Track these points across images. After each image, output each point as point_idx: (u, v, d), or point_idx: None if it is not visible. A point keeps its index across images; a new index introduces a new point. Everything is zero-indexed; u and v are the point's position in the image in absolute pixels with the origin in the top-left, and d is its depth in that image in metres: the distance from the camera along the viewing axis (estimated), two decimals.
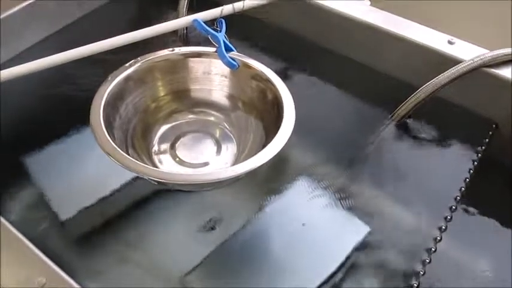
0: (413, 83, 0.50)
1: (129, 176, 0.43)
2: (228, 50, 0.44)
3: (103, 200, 0.42)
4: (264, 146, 0.39)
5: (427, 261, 0.38)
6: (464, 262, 0.40)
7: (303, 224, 0.41)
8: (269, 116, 0.42)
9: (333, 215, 0.43)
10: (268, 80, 0.42)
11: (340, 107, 0.52)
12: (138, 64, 0.43)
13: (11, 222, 0.35)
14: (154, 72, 0.45)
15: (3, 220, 0.35)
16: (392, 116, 0.50)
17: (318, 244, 0.41)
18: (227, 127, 0.46)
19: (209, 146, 0.44)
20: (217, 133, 0.45)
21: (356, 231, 0.41)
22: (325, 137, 0.49)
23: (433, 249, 0.38)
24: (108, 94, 0.40)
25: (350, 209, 0.43)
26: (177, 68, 0.45)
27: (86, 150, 0.46)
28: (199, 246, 0.40)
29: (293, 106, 0.40)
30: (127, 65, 0.43)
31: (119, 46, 0.44)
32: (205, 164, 0.43)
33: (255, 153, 0.37)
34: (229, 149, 0.44)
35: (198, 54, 0.45)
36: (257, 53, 0.51)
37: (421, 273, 0.37)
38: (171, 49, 0.45)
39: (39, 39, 0.57)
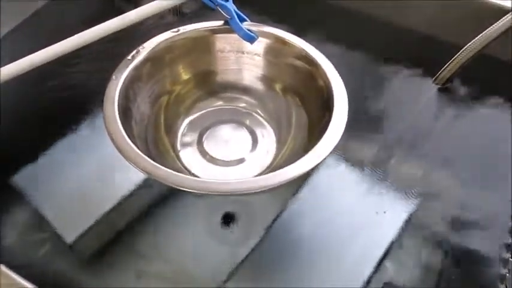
0: (451, 40, 0.45)
1: (135, 181, 0.38)
2: (242, 20, 0.38)
3: (110, 211, 0.37)
4: (309, 137, 0.35)
5: None
6: None
7: (384, 212, 0.37)
8: (313, 102, 0.36)
9: (377, 194, 0.38)
10: (309, 59, 0.36)
11: (373, 73, 0.46)
12: (145, 54, 0.36)
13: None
14: (168, 58, 0.38)
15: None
16: (435, 80, 0.45)
17: (364, 226, 0.37)
18: (262, 115, 0.40)
19: (242, 138, 0.38)
20: (251, 122, 0.39)
21: (402, 210, 0.37)
22: (362, 108, 0.43)
23: None
24: (119, 95, 0.33)
25: (396, 186, 0.38)
26: (196, 48, 0.38)
27: (81, 158, 0.39)
28: (232, 246, 0.36)
29: (344, 90, 0.34)
30: (129, 57, 0.36)
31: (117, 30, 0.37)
32: (241, 160, 0.37)
33: (299, 147, 0.33)
34: (267, 142, 0.38)
35: (221, 30, 0.38)
36: (267, 20, 0.44)
37: (511, 259, 0.34)
38: (175, 30, 0.38)
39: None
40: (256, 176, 0.36)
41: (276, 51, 0.38)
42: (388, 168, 0.39)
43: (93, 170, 0.38)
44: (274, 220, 0.36)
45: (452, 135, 0.42)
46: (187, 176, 0.30)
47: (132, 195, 0.37)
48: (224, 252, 0.35)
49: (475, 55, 0.42)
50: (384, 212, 0.37)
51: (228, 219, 0.36)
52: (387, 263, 0.34)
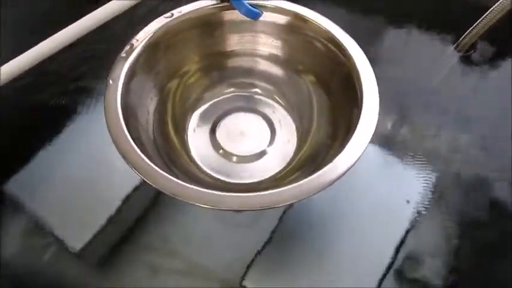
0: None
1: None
2: None
3: (117, 210, 0.34)
4: (333, 129, 0.32)
5: None
6: None
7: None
8: (337, 88, 0.33)
9: (398, 171, 0.37)
10: (333, 40, 0.32)
11: (387, 37, 0.42)
12: (139, 48, 0.31)
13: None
14: (167, 47, 0.33)
15: None
16: (457, 46, 0.41)
17: (387, 204, 0.35)
18: (280, 102, 0.36)
19: (260, 128, 0.35)
20: (267, 111, 0.36)
21: (418, 181, 0.36)
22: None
23: None
24: (121, 101, 0.29)
25: (416, 160, 0.37)
26: (198, 31, 0.33)
27: (78, 158, 0.36)
28: (248, 234, 0.34)
29: (374, 79, 0.30)
30: (123, 54, 0.31)
31: None
32: (262, 154, 0.34)
33: (322, 141, 0.31)
34: (286, 131, 0.35)
35: (223, 7, 0.33)
36: None
37: None
38: (168, 14, 0.33)
39: None
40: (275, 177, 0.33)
41: (294, 30, 0.33)
42: (401, 142, 0.37)
43: (92, 170, 0.35)
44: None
45: (468, 107, 0.39)
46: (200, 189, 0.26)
47: (137, 191, 0.34)
48: (240, 242, 0.34)
49: (503, 17, 0.38)
50: (407, 197, 0.35)
51: None
52: (410, 242, 0.33)
